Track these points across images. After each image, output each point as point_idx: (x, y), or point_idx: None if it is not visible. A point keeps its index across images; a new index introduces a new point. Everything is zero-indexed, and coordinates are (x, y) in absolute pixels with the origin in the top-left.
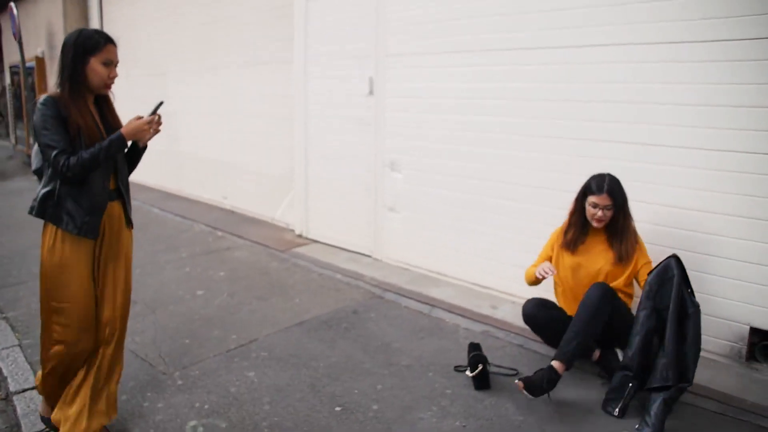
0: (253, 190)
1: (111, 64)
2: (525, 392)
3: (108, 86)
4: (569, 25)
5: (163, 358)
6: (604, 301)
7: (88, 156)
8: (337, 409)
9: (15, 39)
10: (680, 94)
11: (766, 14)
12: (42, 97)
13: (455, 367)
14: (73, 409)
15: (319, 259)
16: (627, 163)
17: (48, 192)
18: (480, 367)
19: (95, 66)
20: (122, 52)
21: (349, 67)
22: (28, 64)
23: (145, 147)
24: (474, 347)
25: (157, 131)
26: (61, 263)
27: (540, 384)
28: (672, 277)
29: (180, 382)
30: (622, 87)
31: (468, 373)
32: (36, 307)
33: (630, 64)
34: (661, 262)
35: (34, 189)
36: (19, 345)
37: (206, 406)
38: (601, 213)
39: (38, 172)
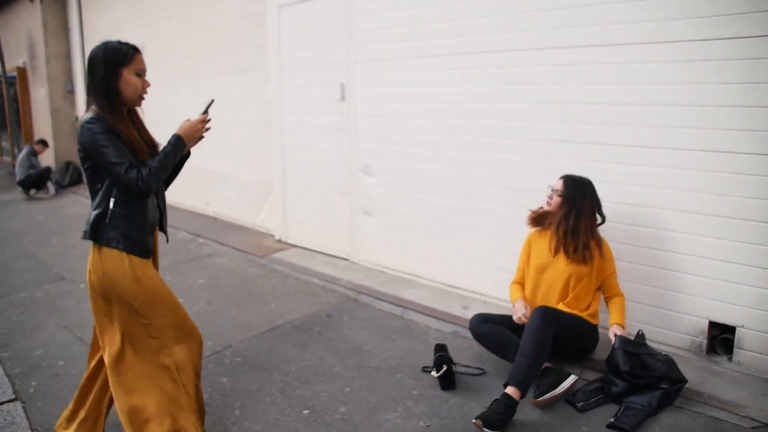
0: (235, 197)
1: (143, 74)
2: (484, 429)
3: (142, 98)
4: (537, 27)
5: None
6: (545, 323)
7: (157, 164)
8: (306, 412)
9: None
10: (647, 95)
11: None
12: (88, 116)
13: (423, 368)
14: None
15: (296, 263)
16: (591, 163)
17: (100, 214)
18: (444, 367)
19: (128, 78)
20: None
21: (322, 74)
22: (9, 75)
23: (188, 154)
24: (440, 348)
25: (207, 130)
26: (139, 283)
27: (497, 416)
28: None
29: None
30: (594, 89)
31: (434, 373)
32: (16, 319)
33: (603, 66)
34: None
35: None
36: None
37: None
38: (550, 193)
39: (22, 184)
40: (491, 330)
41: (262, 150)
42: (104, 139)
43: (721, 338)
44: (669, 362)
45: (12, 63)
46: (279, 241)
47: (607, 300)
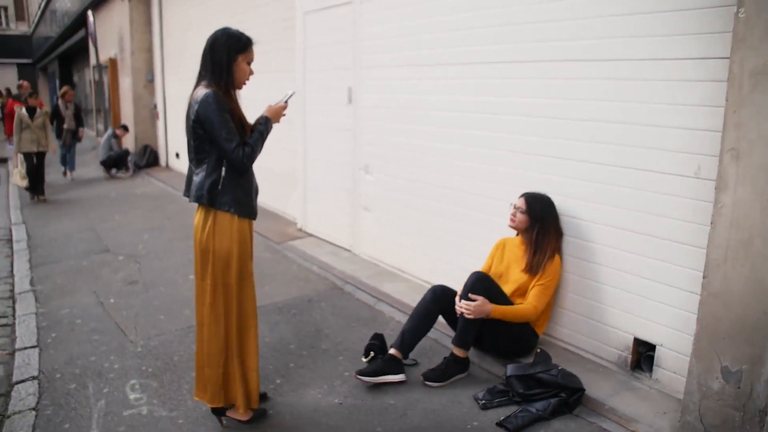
0: (270, 186)
1: (251, 63)
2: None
3: (245, 83)
4: (524, 39)
5: (136, 329)
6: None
7: (254, 143)
8: None
9: (91, 42)
10: (576, 111)
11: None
12: (205, 92)
13: (363, 354)
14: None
15: (305, 251)
16: (558, 178)
17: (214, 181)
18: (371, 354)
19: (242, 64)
20: (175, 56)
21: (335, 78)
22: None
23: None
24: (375, 337)
25: (284, 116)
26: (239, 245)
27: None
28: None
29: (139, 349)
30: (586, 104)
31: (363, 359)
32: (59, 282)
33: (599, 81)
34: None
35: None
36: (35, 313)
37: (150, 369)
38: (514, 212)
39: (104, 164)
40: (421, 305)
41: (291, 145)
42: (219, 116)
43: (646, 355)
44: (564, 374)
45: (105, 54)
46: (299, 230)
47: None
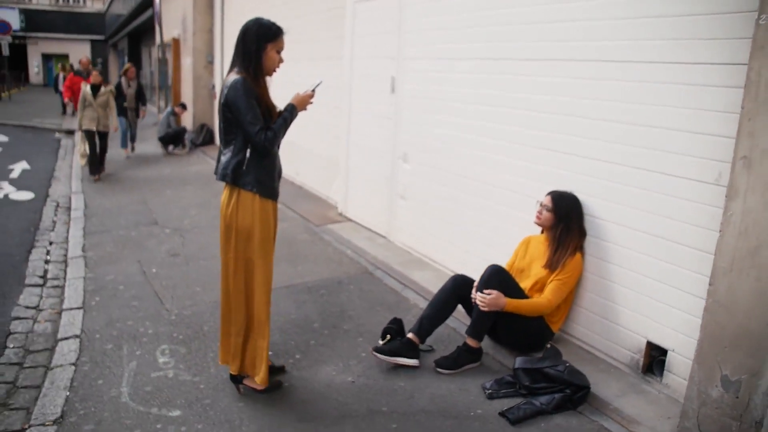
0: (316, 170)
1: (281, 51)
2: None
3: (275, 71)
4: (566, 38)
5: (173, 299)
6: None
7: (278, 128)
8: (270, 353)
9: (156, 22)
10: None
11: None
12: (235, 78)
13: (381, 336)
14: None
15: (342, 235)
16: (592, 179)
17: (238, 161)
18: (388, 337)
19: (271, 53)
20: (234, 38)
21: (380, 67)
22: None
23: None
24: (394, 321)
25: (311, 104)
26: (260, 223)
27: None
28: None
29: (173, 317)
30: (610, 105)
31: (380, 342)
32: (109, 250)
33: (626, 83)
34: None
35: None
36: (84, 277)
37: (180, 336)
38: (540, 210)
39: (162, 140)
40: (441, 294)
41: (337, 130)
42: (246, 101)
43: (658, 359)
44: (571, 371)
45: (169, 34)
46: (340, 214)
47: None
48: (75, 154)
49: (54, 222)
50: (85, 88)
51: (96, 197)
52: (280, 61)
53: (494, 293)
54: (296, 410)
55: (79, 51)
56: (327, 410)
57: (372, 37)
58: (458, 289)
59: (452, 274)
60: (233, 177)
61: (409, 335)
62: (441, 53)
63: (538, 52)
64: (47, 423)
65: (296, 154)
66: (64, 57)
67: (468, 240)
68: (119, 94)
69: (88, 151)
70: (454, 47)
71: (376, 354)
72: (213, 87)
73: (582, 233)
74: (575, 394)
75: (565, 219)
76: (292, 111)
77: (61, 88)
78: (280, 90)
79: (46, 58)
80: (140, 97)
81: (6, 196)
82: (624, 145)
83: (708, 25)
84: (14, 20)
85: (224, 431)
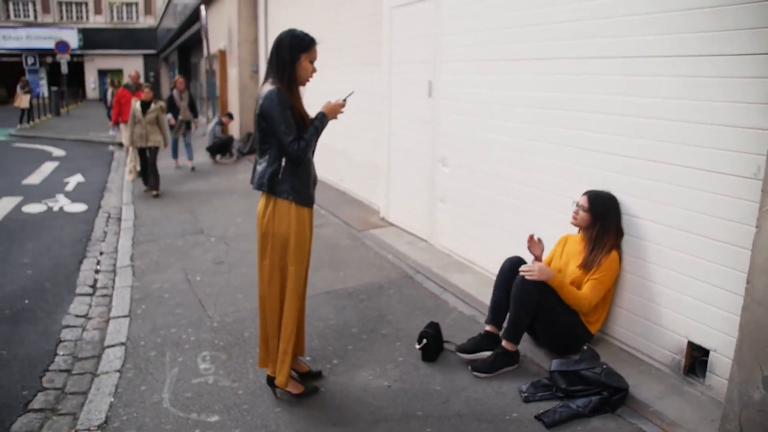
0: (359, 175)
1: (314, 61)
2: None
3: (308, 80)
4: (599, 35)
5: (215, 306)
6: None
7: (310, 138)
8: (308, 358)
9: (203, 35)
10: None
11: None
12: (269, 89)
13: (417, 340)
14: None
15: (384, 240)
16: (616, 175)
17: (274, 170)
18: (424, 341)
19: (304, 63)
20: None
21: (417, 71)
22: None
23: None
24: (430, 325)
25: (342, 113)
26: (296, 230)
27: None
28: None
29: (215, 324)
30: (643, 101)
31: (416, 345)
32: (155, 258)
33: (661, 78)
34: None
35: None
36: (131, 286)
37: (221, 343)
38: (576, 210)
39: (210, 150)
40: (500, 277)
41: (378, 136)
42: (280, 111)
43: (700, 360)
44: (608, 372)
45: (216, 46)
46: (382, 219)
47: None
48: (126, 168)
49: (105, 232)
50: (135, 105)
51: (145, 208)
52: (314, 71)
53: (537, 264)
54: (331, 415)
55: (132, 65)
56: (362, 415)
57: (409, 42)
58: (516, 268)
59: (492, 276)
60: (269, 186)
61: (488, 327)
62: (475, 56)
63: (570, 50)
64: (92, 428)
65: (339, 161)
66: (118, 72)
67: (506, 242)
68: (171, 106)
69: (138, 167)
70: (486, 49)
71: (460, 354)
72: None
73: (619, 233)
74: (613, 396)
75: (602, 219)
76: (322, 120)
77: (110, 103)
78: (318, 97)
79: (102, 73)
80: (192, 109)
81: (61, 208)
82: (660, 141)
83: (748, 15)
84: (73, 39)
85: None
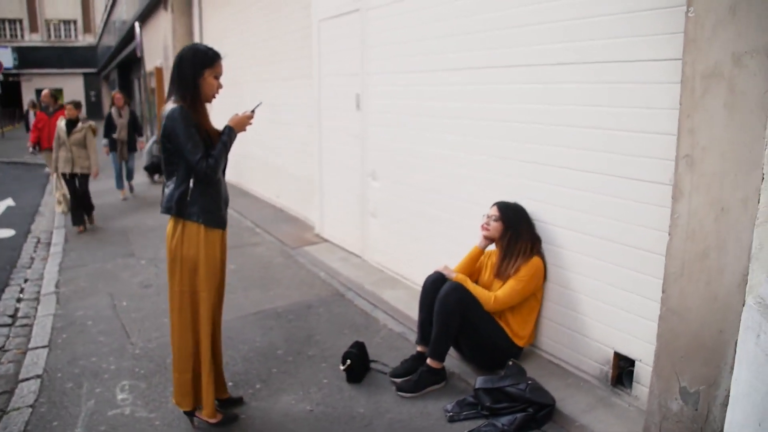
0: (295, 191)
1: (219, 77)
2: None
3: (214, 96)
4: (516, 44)
5: (140, 332)
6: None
7: (218, 154)
8: (230, 383)
9: (137, 54)
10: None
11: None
12: (172, 107)
13: (341, 361)
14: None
15: (317, 257)
16: (549, 186)
17: (182, 192)
18: (348, 362)
19: (209, 79)
20: None
21: (345, 84)
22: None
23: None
24: (355, 345)
25: (250, 125)
26: (206, 254)
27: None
28: None
29: (137, 351)
30: (556, 108)
31: (340, 366)
32: (82, 284)
33: (571, 85)
34: None
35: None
36: (53, 314)
37: (142, 371)
38: (486, 221)
39: (147, 169)
40: (424, 296)
41: (313, 150)
42: (184, 130)
43: (627, 370)
44: (533, 388)
45: (152, 64)
46: (316, 235)
47: None
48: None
49: (32, 258)
50: (60, 124)
51: (76, 231)
52: (219, 86)
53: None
54: None
55: (72, 85)
56: None
57: (337, 54)
58: (437, 283)
59: (420, 289)
60: (177, 208)
61: (419, 348)
62: (400, 67)
63: (485, 59)
64: None
65: (275, 176)
66: (58, 91)
67: (437, 255)
68: (109, 125)
69: (66, 196)
70: (411, 60)
71: (393, 378)
72: None
73: (535, 239)
74: (538, 412)
75: (513, 226)
76: (230, 134)
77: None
78: (258, 112)
79: (40, 93)
80: (135, 128)
81: None
82: (577, 149)
83: (649, 22)
84: (7, 59)
85: None
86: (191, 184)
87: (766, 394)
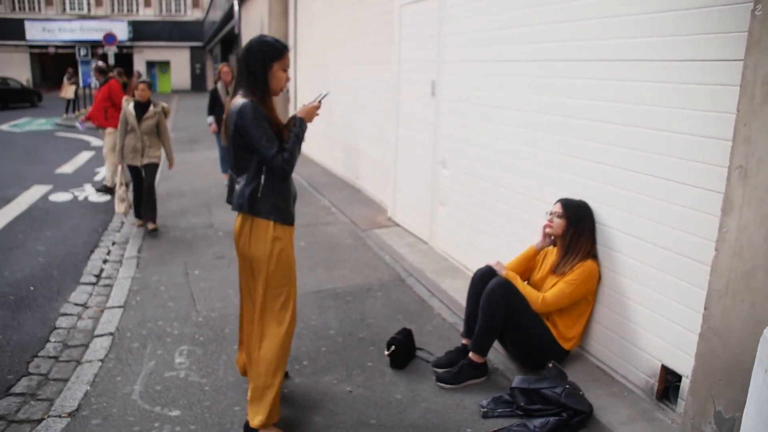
0: (372, 174)
1: (287, 69)
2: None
3: (282, 90)
4: (582, 37)
5: (206, 301)
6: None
7: (292, 147)
8: None
9: (236, 32)
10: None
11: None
12: (243, 102)
13: (386, 346)
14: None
15: (385, 240)
16: (609, 187)
17: (253, 189)
18: (392, 348)
19: (277, 72)
20: (305, 42)
21: (422, 71)
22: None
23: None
24: (401, 331)
25: (318, 115)
26: (279, 250)
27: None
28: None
29: (200, 319)
30: (630, 108)
31: (385, 352)
32: (164, 251)
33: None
34: None
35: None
36: (132, 277)
37: (201, 338)
38: (551, 218)
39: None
40: (472, 288)
41: (389, 134)
42: (258, 125)
43: (674, 385)
44: (569, 393)
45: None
46: (389, 218)
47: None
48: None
49: (122, 223)
50: (127, 107)
51: (162, 202)
52: (287, 79)
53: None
54: (285, 418)
55: (179, 58)
56: (315, 420)
57: (416, 40)
58: (486, 276)
59: None
60: (249, 205)
61: (464, 340)
62: (474, 56)
63: (560, 52)
64: (63, 415)
65: (354, 158)
66: (166, 64)
67: (495, 248)
68: (214, 104)
69: (129, 193)
70: (484, 50)
71: (440, 384)
72: (287, 91)
73: (594, 240)
74: (573, 418)
75: (576, 224)
76: (301, 125)
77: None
78: (338, 93)
79: (150, 65)
80: None
81: (86, 198)
82: (638, 150)
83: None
84: (122, 31)
85: None
86: (262, 181)
87: None
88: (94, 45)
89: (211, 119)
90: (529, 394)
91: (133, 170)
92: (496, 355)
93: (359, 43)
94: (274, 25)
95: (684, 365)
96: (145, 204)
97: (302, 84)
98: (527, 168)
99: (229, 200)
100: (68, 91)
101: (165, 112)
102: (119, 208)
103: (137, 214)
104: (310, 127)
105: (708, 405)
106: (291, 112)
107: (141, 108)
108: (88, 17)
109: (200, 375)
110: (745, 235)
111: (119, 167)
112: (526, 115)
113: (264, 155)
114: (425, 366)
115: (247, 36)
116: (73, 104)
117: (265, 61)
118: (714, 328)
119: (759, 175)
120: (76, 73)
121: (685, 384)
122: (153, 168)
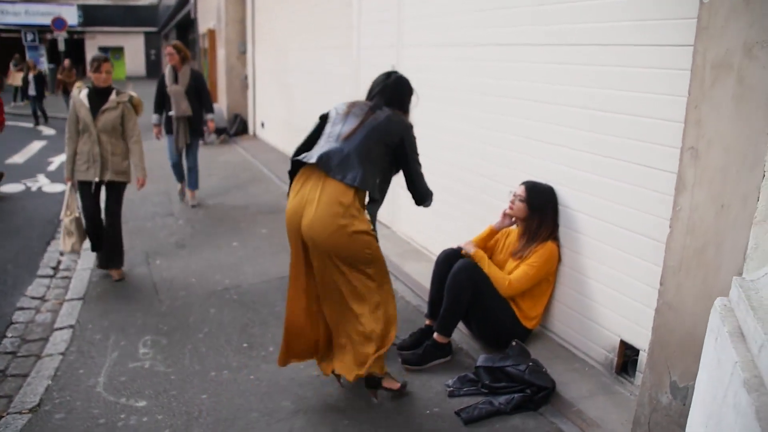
0: None
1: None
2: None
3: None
4: (548, 21)
5: (168, 290)
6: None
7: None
8: (245, 345)
9: (192, 16)
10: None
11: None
12: (409, 122)
13: None
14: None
15: None
16: (570, 169)
17: (371, 183)
18: None
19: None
20: (265, 28)
21: (382, 56)
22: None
23: None
24: None
25: None
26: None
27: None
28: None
29: (164, 309)
30: (585, 91)
31: None
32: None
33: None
34: None
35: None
36: (92, 269)
37: (165, 328)
38: (513, 200)
39: None
40: (436, 270)
41: None
42: (415, 143)
43: (632, 359)
44: (532, 370)
45: (205, 26)
46: None
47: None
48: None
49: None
50: (78, 96)
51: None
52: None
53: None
54: (254, 403)
55: (133, 43)
56: (284, 404)
57: (375, 26)
58: (450, 258)
59: None
60: (362, 183)
61: (428, 321)
62: (433, 40)
63: (521, 36)
64: (23, 411)
65: None
66: (119, 50)
67: (459, 231)
68: (161, 95)
69: (81, 221)
70: (443, 34)
71: (405, 366)
72: (245, 77)
73: (556, 224)
74: (536, 394)
75: (539, 210)
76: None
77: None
78: (299, 77)
79: (103, 50)
80: (202, 100)
81: (39, 188)
82: (598, 133)
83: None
84: (72, 16)
85: (182, 422)
86: (377, 181)
87: (714, 399)
88: (42, 30)
89: (156, 118)
90: (494, 373)
91: (86, 189)
92: (460, 335)
93: (320, 27)
94: (231, 9)
95: (641, 340)
96: (106, 243)
97: (262, 71)
98: (491, 152)
99: (326, 166)
100: (15, 78)
101: (134, 105)
102: (65, 245)
103: (101, 263)
104: (271, 113)
105: (664, 376)
106: (249, 100)
107: (98, 96)
108: (34, 0)
109: (165, 365)
110: (697, 214)
111: (68, 186)
112: (489, 99)
113: (418, 179)
114: (390, 349)
115: (203, 20)
116: (21, 92)
117: (410, 96)
118: (669, 303)
119: (709, 155)
120: (23, 59)
121: (642, 357)
122: (119, 189)
